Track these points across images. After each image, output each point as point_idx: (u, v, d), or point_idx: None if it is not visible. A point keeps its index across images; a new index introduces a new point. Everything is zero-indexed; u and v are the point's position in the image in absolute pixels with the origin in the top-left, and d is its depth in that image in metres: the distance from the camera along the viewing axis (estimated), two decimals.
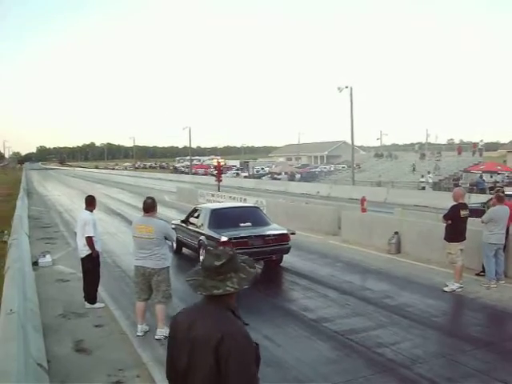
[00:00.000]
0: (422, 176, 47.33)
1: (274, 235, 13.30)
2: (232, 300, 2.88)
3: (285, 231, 13.65)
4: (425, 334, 8.43)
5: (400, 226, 15.50)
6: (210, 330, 2.71)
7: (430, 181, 44.81)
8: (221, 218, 13.89)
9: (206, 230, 13.47)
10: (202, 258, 13.42)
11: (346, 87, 47.07)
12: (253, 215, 14.41)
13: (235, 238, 12.56)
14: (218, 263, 2.82)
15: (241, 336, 2.73)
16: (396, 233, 15.16)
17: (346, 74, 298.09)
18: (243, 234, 12.93)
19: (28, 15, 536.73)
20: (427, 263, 13.52)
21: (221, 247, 3.04)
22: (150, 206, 8.43)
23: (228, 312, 2.83)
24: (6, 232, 17.77)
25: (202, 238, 13.48)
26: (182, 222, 15.58)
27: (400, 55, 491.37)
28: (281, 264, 13.65)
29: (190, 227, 14.78)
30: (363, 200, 23.82)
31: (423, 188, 43.48)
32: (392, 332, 8.47)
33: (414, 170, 55.04)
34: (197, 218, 14.65)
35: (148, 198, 8.60)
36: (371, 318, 9.26)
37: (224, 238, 12.50)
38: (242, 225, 13.54)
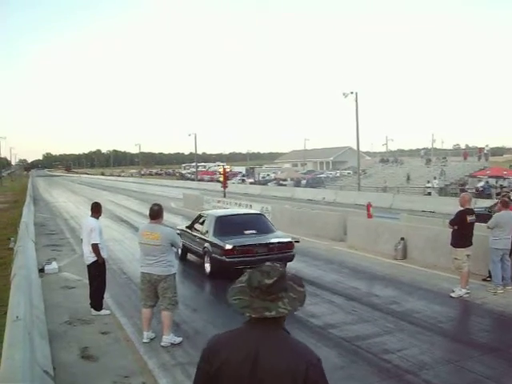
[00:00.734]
0: (428, 181, 47.30)
1: (278, 243, 13.29)
2: (284, 320, 2.55)
3: (289, 239, 13.69)
4: (431, 340, 8.39)
5: (406, 231, 15.47)
6: (289, 361, 2.38)
7: (436, 186, 44.74)
8: (225, 226, 13.83)
9: (210, 238, 13.45)
10: (207, 266, 13.34)
11: (352, 93, 47.15)
12: (257, 222, 14.38)
13: (240, 246, 12.60)
14: (268, 282, 2.44)
15: (320, 362, 2.46)
16: (402, 238, 15.13)
17: (351, 80, 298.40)
18: (248, 241, 12.93)
19: (35, 20, 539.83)
20: (433, 269, 13.49)
21: (269, 263, 2.57)
22: (156, 213, 8.43)
23: (291, 336, 2.55)
24: (12, 239, 17.81)
25: (206, 245, 13.47)
26: (187, 227, 15.59)
27: (405, 60, 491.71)
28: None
29: (194, 233, 14.74)
30: (369, 206, 23.80)
31: (429, 193, 43.43)
32: (398, 338, 8.44)
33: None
34: (202, 224, 14.63)
35: (154, 204, 8.61)
36: (377, 324, 9.23)
37: (229, 246, 12.52)
38: (246, 232, 13.54)
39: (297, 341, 2.52)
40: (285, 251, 13.18)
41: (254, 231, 13.68)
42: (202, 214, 15.58)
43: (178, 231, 14.95)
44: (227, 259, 12.47)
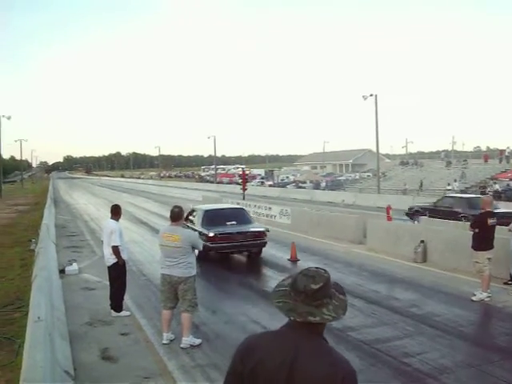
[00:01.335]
0: (449, 184, 46.94)
1: (253, 232, 15.90)
2: (324, 328, 2.50)
3: (262, 229, 16.36)
4: (452, 343, 8.33)
5: (426, 234, 15.37)
6: (327, 370, 2.34)
7: (457, 189, 44.42)
8: (211, 217, 16.39)
9: (198, 227, 15.61)
10: (195, 251, 13.80)
11: (371, 95, 47.01)
12: (238, 215, 17.02)
13: (220, 234, 15.18)
14: (314, 287, 2.41)
15: (355, 374, 2.42)
16: (422, 241, 15.03)
17: (371, 82, 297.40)
18: (228, 230, 15.43)
19: (54, 21, 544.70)
20: (454, 272, 13.38)
21: (313, 268, 2.54)
22: (177, 215, 8.47)
23: (329, 345, 2.50)
24: (33, 240, 17.97)
25: (203, 236, 14.99)
26: (190, 225, 16.54)
27: (426, 62, 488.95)
28: (296, 268, 13.61)
29: (188, 224, 15.89)
30: (388, 208, 23.71)
31: None
32: (419, 342, 8.39)
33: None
34: (194, 216, 17.02)
35: (175, 207, 8.64)
36: (397, 327, 9.18)
37: (211, 234, 15.09)
38: (228, 223, 16.01)
39: (335, 350, 2.48)
40: (258, 239, 15.77)
41: (234, 222, 16.14)
42: (194, 208, 18.05)
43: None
44: (211, 245, 14.86)
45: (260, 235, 15.89)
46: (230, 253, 16.20)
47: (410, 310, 10.24)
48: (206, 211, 16.88)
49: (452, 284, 12.34)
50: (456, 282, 12.46)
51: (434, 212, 24.67)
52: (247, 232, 15.72)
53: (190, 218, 17.01)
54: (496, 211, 11.63)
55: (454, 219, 21.18)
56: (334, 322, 7.49)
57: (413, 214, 26.69)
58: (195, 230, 14.11)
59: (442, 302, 10.85)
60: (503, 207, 23.85)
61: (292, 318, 2.43)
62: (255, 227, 16.42)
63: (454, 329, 9.02)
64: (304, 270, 2.51)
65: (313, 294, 2.40)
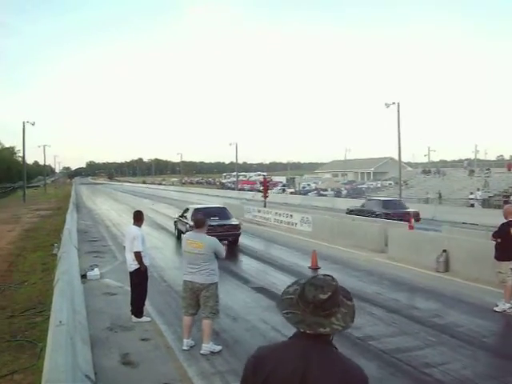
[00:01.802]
0: (471, 193, 46.57)
1: (230, 225, 20.58)
2: (333, 336, 2.47)
3: (237, 223, 21.08)
4: (474, 354, 8.23)
5: (448, 243, 15.24)
6: (339, 378, 2.33)
7: (480, 198, 44.05)
8: (199, 213, 17.78)
9: (189, 221, 19.14)
10: None
11: (393, 103, 46.90)
12: (221, 212, 21.62)
13: (198, 216, 16.65)
14: (323, 297, 2.37)
15: (367, 379, 2.41)
16: (444, 251, 14.90)
17: (393, 90, 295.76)
18: (211, 223, 16.40)
19: (77, 29, 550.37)
20: (477, 282, 13.23)
21: (321, 276, 2.50)
22: (200, 222, 8.52)
23: (339, 352, 2.46)
24: (55, 245, 18.15)
25: (187, 226, 19.40)
26: (180, 216, 22.80)
27: (448, 69, 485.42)
28: None
29: (183, 220, 21.46)
30: (411, 217, 23.53)
31: (472, 205, 42.75)
32: (440, 352, 8.31)
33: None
34: (187, 213, 21.46)
35: (199, 213, 8.68)
36: (418, 337, 9.10)
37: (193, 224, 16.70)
38: (212, 218, 18.88)
39: (346, 358, 2.46)
40: (234, 230, 20.45)
41: (217, 218, 20.29)
42: (188, 208, 22.54)
43: (175, 219, 23.70)
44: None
45: (235, 228, 20.75)
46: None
47: (432, 319, 10.15)
48: (196, 209, 21.25)
49: (474, 294, 12.21)
50: (478, 292, 12.33)
51: (361, 212, 30.92)
52: (225, 225, 20.26)
53: (185, 214, 21.74)
54: None
55: (373, 217, 27.76)
56: (354, 332, 7.46)
57: (349, 213, 32.77)
58: (187, 224, 19.93)
59: (463, 312, 10.74)
60: None
61: (302, 330, 2.39)
62: (232, 222, 21.03)
63: (476, 339, 8.92)
64: (312, 279, 2.47)
65: (321, 304, 2.37)
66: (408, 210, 28.90)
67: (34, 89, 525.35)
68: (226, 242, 17.24)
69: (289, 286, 2.55)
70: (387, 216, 27.25)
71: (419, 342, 8.83)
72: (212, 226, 17.39)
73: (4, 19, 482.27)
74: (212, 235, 15.73)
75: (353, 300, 2.51)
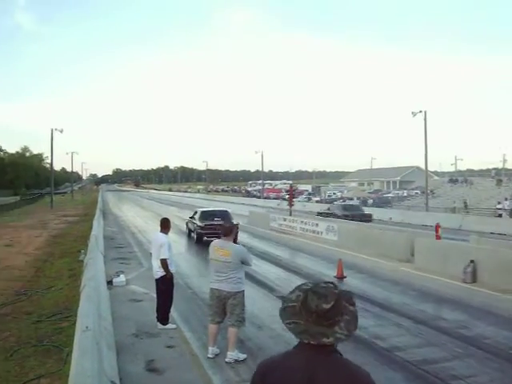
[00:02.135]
0: (499, 203, 46.01)
1: (227, 218, 24.47)
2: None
3: (235, 223, 20.35)
4: (502, 367, 8.10)
5: (476, 254, 15.04)
6: (345, 379, 2.32)
7: (508, 208, 43.51)
8: (205, 215, 25.92)
9: (197, 221, 25.40)
10: (193, 236, 24.68)
11: (420, 111, 46.57)
12: (223, 214, 25.90)
13: (207, 225, 24.23)
14: (326, 307, 2.35)
15: (374, 383, 2.40)
16: (472, 261, 14.71)
17: (419, 98, 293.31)
18: (212, 223, 23.68)
19: (105, 37, 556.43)
20: (505, 293, 13.03)
21: (323, 284, 2.46)
22: (228, 230, 8.52)
23: (344, 358, 2.44)
24: (82, 251, 18.28)
25: (195, 225, 25.38)
26: (190, 217, 27.66)
27: (475, 78, 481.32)
28: (342, 285, 13.52)
29: (192, 220, 26.64)
30: (437, 227, 23.34)
31: (500, 215, 42.23)
32: (467, 364, 8.19)
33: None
34: (195, 215, 26.54)
35: (226, 221, 8.69)
36: (445, 348, 8.99)
37: (201, 224, 24.68)
38: (215, 219, 24.32)
39: (352, 363, 2.43)
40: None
41: (219, 219, 23.69)
42: (196, 210, 27.42)
43: (187, 220, 29.08)
44: (201, 231, 24.53)
45: (234, 227, 20.93)
46: (213, 237, 19.29)
47: (459, 331, 10.02)
48: (202, 211, 26.71)
49: (503, 305, 12.04)
50: (507, 304, 12.16)
51: (327, 214, 39.11)
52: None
53: (194, 216, 26.69)
54: None
55: (335, 217, 35.60)
56: (380, 342, 7.38)
57: (318, 214, 40.72)
58: (195, 224, 25.42)
59: (491, 323, 10.60)
60: None
61: (306, 341, 2.37)
62: (231, 222, 21.61)
63: (504, 352, 8.78)
64: (314, 287, 2.43)
65: (325, 313, 2.34)
66: (364, 213, 39.44)
67: (62, 96, 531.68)
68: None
69: (291, 293, 2.52)
70: (346, 217, 35.55)
71: (446, 353, 8.72)
72: (212, 225, 23.53)
73: (33, 27, 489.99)
74: (215, 233, 18.52)
75: (355, 305, 2.48)
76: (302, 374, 2.33)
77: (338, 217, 35.82)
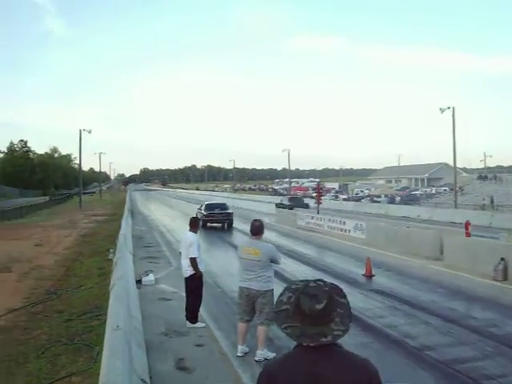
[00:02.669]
0: None
1: (226, 213, 33.15)
2: None
3: (231, 211, 33.74)
4: None
5: (507, 251, 14.83)
6: (352, 375, 2.34)
7: None
8: (208, 206, 34.10)
9: (203, 210, 33.26)
10: (200, 223, 22.94)
11: (448, 108, 46.09)
12: (222, 205, 34.83)
13: (209, 213, 32.48)
14: (319, 307, 2.35)
15: (378, 372, 2.43)
16: (502, 259, 14.52)
17: (447, 94, 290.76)
18: (214, 212, 32.82)
19: (136, 43, 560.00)
20: None
21: (313, 283, 2.45)
22: (257, 229, 8.50)
23: (345, 349, 2.45)
24: (111, 250, 18.43)
25: (202, 214, 32.15)
26: (198, 209, 35.28)
27: (503, 72, 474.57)
28: (371, 283, 13.47)
29: (200, 211, 33.76)
30: (467, 224, 23.09)
31: None
32: (499, 363, 8.07)
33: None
34: (202, 206, 34.59)
35: (255, 220, 8.67)
36: (476, 347, 8.87)
37: (204, 213, 32.47)
38: (216, 209, 33.37)
39: (353, 354, 2.45)
40: (229, 216, 33.12)
41: (219, 209, 33.54)
42: (202, 204, 35.62)
43: (197, 210, 34.84)
44: (205, 218, 31.87)
45: (230, 215, 33.53)
46: (215, 223, 32.85)
47: (490, 329, 9.88)
48: (206, 204, 35.00)
49: None
50: None
51: (280, 205, 51.26)
52: (223, 213, 33.30)
53: (201, 207, 34.68)
54: None
55: (285, 207, 48.08)
56: (410, 341, 7.30)
57: (277, 206, 51.26)
58: (201, 213, 32.69)
59: None
60: None
61: (305, 344, 2.37)
62: (228, 211, 33.72)
63: None
64: (304, 289, 2.42)
65: (318, 313, 2.35)
66: (304, 202, 53.95)
67: (90, 97, 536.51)
68: (223, 224, 33.11)
69: (281, 295, 2.52)
70: (291, 207, 48.13)
71: (477, 352, 8.61)
72: (215, 213, 33.02)
73: (64, 32, 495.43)
74: (215, 220, 33.04)
75: (346, 297, 2.47)
76: (307, 374, 2.34)
77: (285, 206, 49.65)
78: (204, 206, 33.72)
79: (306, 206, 49.92)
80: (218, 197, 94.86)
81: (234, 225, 33.56)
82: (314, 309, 2.35)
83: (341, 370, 2.33)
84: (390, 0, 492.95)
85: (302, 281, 2.53)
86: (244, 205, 63.37)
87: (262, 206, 61.31)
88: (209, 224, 32.00)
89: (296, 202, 52.36)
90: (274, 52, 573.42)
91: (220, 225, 33.02)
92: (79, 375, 7.51)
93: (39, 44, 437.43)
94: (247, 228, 8.87)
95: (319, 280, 2.48)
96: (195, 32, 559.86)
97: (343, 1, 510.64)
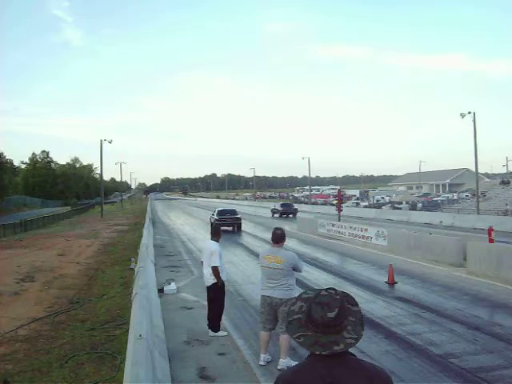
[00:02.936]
0: None
1: (235, 217, 37.88)
2: None
3: (239, 216, 38.51)
4: None
5: None
6: (367, 382, 2.32)
7: None
8: (220, 211, 39.12)
9: (215, 216, 38.09)
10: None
11: (469, 113, 45.75)
12: (232, 211, 39.58)
13: (221, 217, 37.01)
14: (331, 315, 2.35)
15: (391, 378, 2.42)
16: None
17: (468, 99, 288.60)
18: (224, 217, 37.47)
19: (161, 49, 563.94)
20: None
21: (324, 291, 2.45)
22: (279, 237, 8.47)
23: (358, 358, 2.45)
24: (133, 259, 18.52)
25: (214, 218, 37.69)
26: (212, 214, 40.49)
27: None
28: (393, 291, 13.36)
29: (213, 216, 38.85)
30: (490, 230, 22.85)
31: None
32: None
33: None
34: (214, 212, 39.50)
35: (277, 228, 8.65)
36: (502, 355, 8.73)
37: (217, 218, 37.10)
38: (227, 214, 38.33)
39: (366, 362, 2.44)
40: (237, 221, 37.86)
41: (229, 214, 38.34)
42: (215, 210, 40.35)
43: (210, 215, 42.30)
44: (218, 222, 34.02)
45: (238, 219, 38.07)
46: (225, 226, 35.41)
47: None
48: (218, 209, 40.02)
49: None
50: None
51: (274, 211, 59.57)
52: (233, 218, 37.78)
53: (214, 213, 39.65)
54: None
55: (277, 212, 58.12)
56: (434, 349, 7.20)
57: (271, 211, 60.62)
58: (214, 217, 37.84)
59: None
60: None
61: (318, 353, 2.35)
62: (237, 216, 38.29)
63: None
64: (316, 297, 2.42)
65: (330, 322, 2.34)
66: (294, 208, 60.13)
67: (111, 107, 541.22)
68: (233, 227, 37.97)
69: (293, 304, 2.52)
70: (283, 212, 57.54)
71: (503, 360, 8.48)
72: (224, 218, 37.21)
73: (81, 43, 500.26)
74: (226, 223, 36.64)
75: (358, 305, 2.46)
76: (322, 383, 2.32)
77: (279, 211, 58.02)
78: (216, 212, 39.40)
79: (296, 211, 57.28)
80: (238, 205, 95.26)
81: (257, 234, 33.76)
82: (325, 317, 2.35)
83: (355, 379, 2.32)
84: (424, 11, 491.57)
85: (313, 290, 2.53)
86: (263, 213, 63.59)
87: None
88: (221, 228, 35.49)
89: (287, 208, 60.32)
90: (294, 61, 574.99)
91: (231, 228, 37.82)
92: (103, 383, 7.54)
93: (57, 54, 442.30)
94: (270, 236, 8.83)
95: (330, 288, 2.48)
96: (217, 41, 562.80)
97: (363, 10, 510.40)
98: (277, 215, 57.74)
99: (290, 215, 56.38)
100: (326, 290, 2.46)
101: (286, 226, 36.98)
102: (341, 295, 2.43)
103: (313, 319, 2.38)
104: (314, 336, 2.37)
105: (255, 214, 63.69)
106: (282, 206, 61.44)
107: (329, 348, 2.32)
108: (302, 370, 2.45)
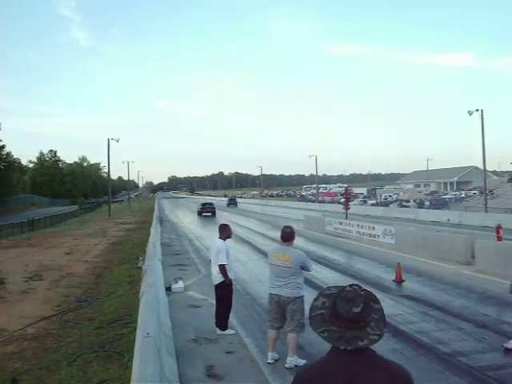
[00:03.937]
0: None
1: (211, 207, 60.34)
2: None
3: (214, 206, 61.30)
4: None
5: None
6: (387, 380, 2.31)
7: None
8: (202, 203, 63.57)
9: (200, 206, 61.98)
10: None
11: (477, 110, 45.58)
12: (211, 204, 63.13)
13: (202, 207, 60.91)
14: (356, 310, 2.36)
15: (411, 375, 2.41)
16: None
17: (476, 96, 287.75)
18: (205, 207, 61.04)
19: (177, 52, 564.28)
20: None
21: (348, 287, 2.46)
22: (288, 235, 8.46)
23: (379, 355, 2.43)
24: (140, 258, 18.55)
25: (198, 208, 62.14)
26: (198, 205, 63.68)
27: None
28: (401, 289, 13.34)
29: (198, 206, 62.75)
30: (498, 228, 22.77)
31: None
32: None
33: None
34: (199, 205, 63.51)
35: (286, 227, 8.64)
36: (511, 353, 8.72)
37: (200, 207, 61.16)
38: (206, 205, 61.97)
39: (387, 360, 2.43)
40: (213, 209, 59.68)
41: (209, 205, 61.97)
42: (201, 202, 66.37)
43: (196, 206, 66.45)
44: (200, 210, 60.50)
45: (213, 208, 59.42)
46: (205, 212, 58.33)
47: None
48: (201, 202, 66.44)
49: None
50: None
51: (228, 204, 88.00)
52: (210, 207, 60.19)
53: (199, 205, 62.46)
54: None
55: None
56: (442, 347, 7.18)
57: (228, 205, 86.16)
58: (198, 207, 62.20)
59: None
60: None
61: (342, 348, 2.36)
62: (212, 206, 60.14)
63: None
64: (341, 293, 2.44)
65: (355, 317, 2.36)
66: (235, 200, 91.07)
67: (118, 106, 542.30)
68: (210, 214, 58.51)
69: (315, 300, 2.53)
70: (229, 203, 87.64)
71: None
72: (205, 207, 59.99)
73: (89, 43, 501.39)
74: (205, 211, 60.39)
75: (380, 303, 2.48)
76: (343, 380, 2.32)
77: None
78: (200, 204, 61.88)
79: (235, 203, 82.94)
80: (245, 204, 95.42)
81: (264, 232, 33.76)
82: (351, 313, 2.36)
83: (377, 375, 2.32)
84: (430, 9, 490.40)
85: (334, 287, 2.54)
86: (278, 212, 63.37)
87: (290, 212, 61.21)
88: (203, 214, 58.31)
89: (230, 201, 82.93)
90: (300, 60, 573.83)
91: (210, 214, 57.47)
92: (110, 382, 7.56)
93: (64, 53, 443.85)
94: (276, 234, 8.83)
95: (354, 284, 2.49)
96: (226, 41, 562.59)
97: (370, 7, 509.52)
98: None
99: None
100: (351, 285, 2.47)
101: (294, 224, 37.02)
102: (364, 292, 2.44)
103: (338, 314, 2.39)
104: (337, 331, 2.39)
105: (262, 212, 63.51)
106: (230, 200, 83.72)
107: (353, 343, 2.34)
108: (323, 364, 2.47)
